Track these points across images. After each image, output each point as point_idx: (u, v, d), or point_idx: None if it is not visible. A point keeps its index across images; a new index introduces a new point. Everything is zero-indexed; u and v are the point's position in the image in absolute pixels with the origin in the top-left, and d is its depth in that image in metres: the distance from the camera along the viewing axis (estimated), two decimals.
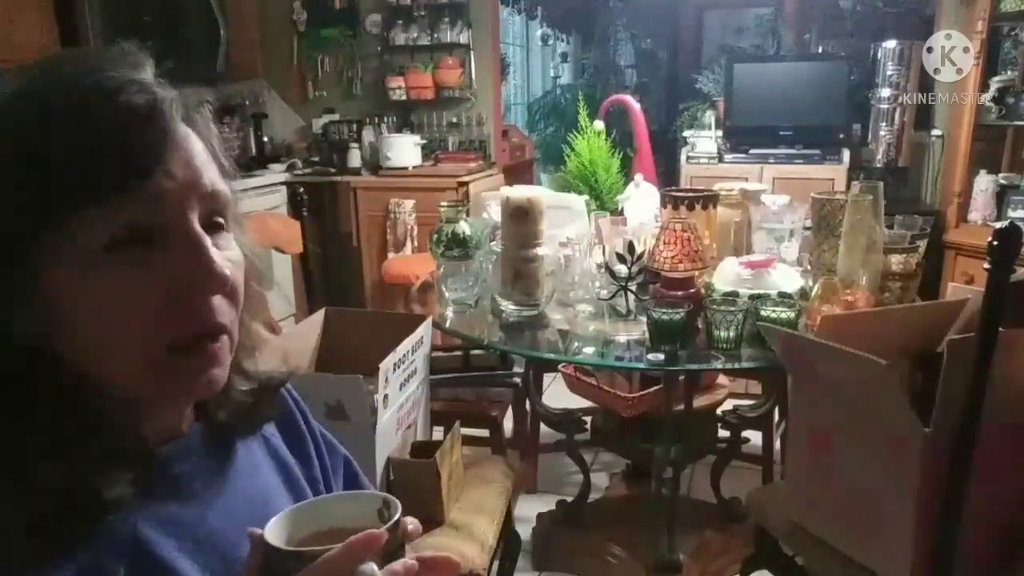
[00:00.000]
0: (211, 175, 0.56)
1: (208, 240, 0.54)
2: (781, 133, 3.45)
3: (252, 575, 0.53)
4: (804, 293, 1.71)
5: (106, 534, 0.52)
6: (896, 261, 1.72)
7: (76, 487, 0.51)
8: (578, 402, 2.24)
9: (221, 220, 0.57)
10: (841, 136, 3.42)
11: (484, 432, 2.15)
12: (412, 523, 0.57)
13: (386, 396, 1.44)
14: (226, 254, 0.56)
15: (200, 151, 0.56)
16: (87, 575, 0.50)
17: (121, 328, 0.52)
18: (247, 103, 4.11)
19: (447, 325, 1.85)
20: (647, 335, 1.63)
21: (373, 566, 0.51)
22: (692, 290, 1.70)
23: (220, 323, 0.55)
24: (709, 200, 1.91)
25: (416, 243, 3.73)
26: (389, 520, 0.54)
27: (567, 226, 1.98)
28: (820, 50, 3.92)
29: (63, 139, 0.50)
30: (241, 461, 0.66)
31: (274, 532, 0.54)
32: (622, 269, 1.75)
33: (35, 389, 0.52)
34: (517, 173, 4.51)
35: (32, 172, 0.50)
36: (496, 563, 1.73)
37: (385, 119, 4.12)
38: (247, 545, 0.55)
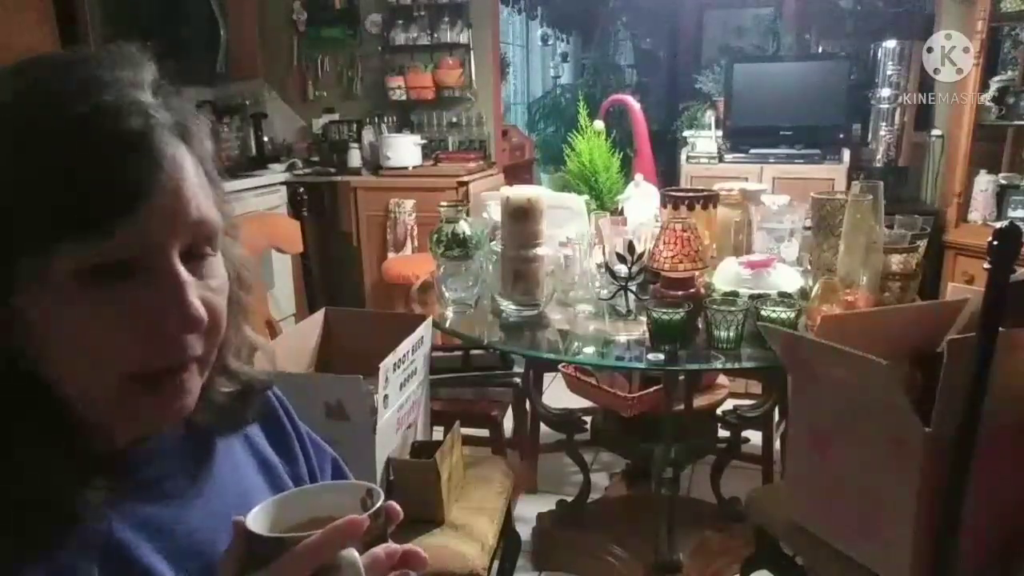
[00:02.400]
0: (199, 202, 0.54)
1: (187, 278, 0.53)
2: (781, 133, 3.45)
3: (231, 563, 0.53)
4: (804, 293, 1.71)
5: (80, 535, 0.52)
6: (896, 261, 1.72)
7: (46, 491, 0.51)
8: (578, 402, 2.24)
9: (207, 246, 0.56)
10: (841, 136, 3.42)
11: (484, 432, 2.15)
12: (393, 505, 0.57)
13: (386, 396, 1.44)
14: (208, 283, 0.55)
15: (191, 175, 0.54)
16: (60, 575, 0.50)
17: (90, 357, 0.52)
18: (247, 103, 4.11)
19: (447, 325, 1.85)
20: (647, 335, 1.63)
21: (354, 552, 0.51)
22: (692, 290, 1.70)
23: (190, 356, 0.54)
24: (709, 200, 1.91)
25: (416, 243, 3.73)
26: (372, 509, 0.55)
27: (567, 226, 1.98)
28: (820, 50, 3.92)
29: (44, 168, 0.48)
30: (221, 460, 0.65)
31: (257, 520, 0.54)
32: (622, 269, 1.75)
33: (6, 395, 0.52)
34: (517, 173, 4.52)
35: (11, 197, 0.48)
36: (496, 563, 1.73)
37: (385, 119, 4.12)
38: (227, 544, 0.55)
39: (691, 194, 1.93)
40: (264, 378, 0.69)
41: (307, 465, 0.75)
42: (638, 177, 2.31)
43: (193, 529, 0.59)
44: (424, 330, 1.65)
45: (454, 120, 4.12)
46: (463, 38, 3.98)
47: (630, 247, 1.74)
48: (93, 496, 0.52)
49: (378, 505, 0.55)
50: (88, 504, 0.52)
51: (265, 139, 4.09)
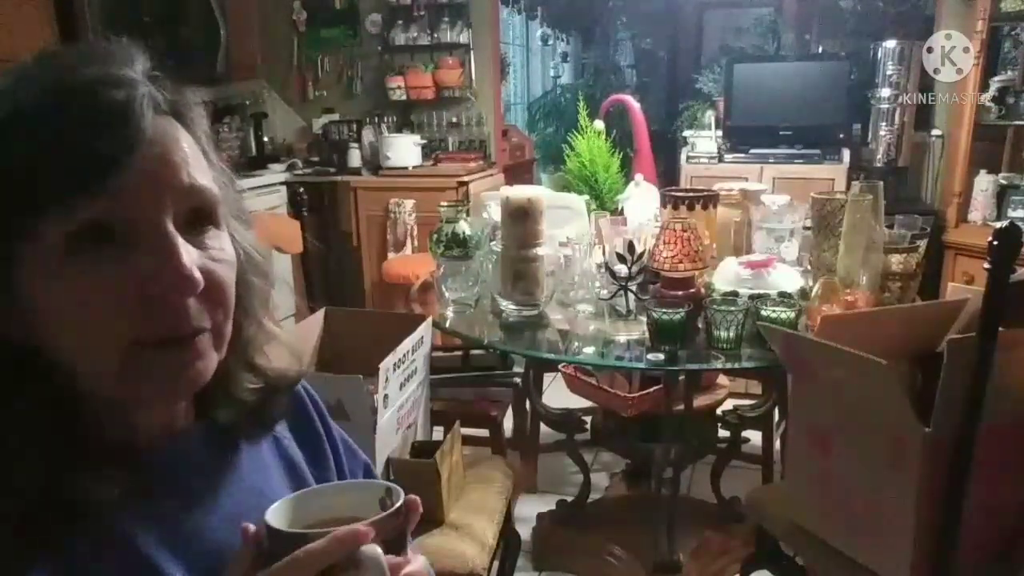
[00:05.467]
0: (192, 171, 0.54)
1: (179, 240, 0.52)
2: (781, 133, 3.44)
3: (237, 568, 0.53)
4: (804, 293, 1.71)
5: (92, 531, 0.52)
6: (896, 261, 1.72)
7: (55, 485, 0.50)
8: (578, 402, 2.24)
9: (207, 218, 0.55)
10: (841, 136, 3.42)
11: (484, 432, 2.15)
12: (415, 501, 0.57)
13: (386, 396, 1.44)
14: (211, 253, 0.55)
15: (183, 147, 0.54)
16: (72, 572, 0.50)
17: (88, 327, 0.51)
18: (247, 103, 4.11)
19: (447, 325, 1.85)
20: (647, 335, 1.63)
21: (377, 548, 0.51)
22: (692, 290, 1.70)
23: (195, 326, 0.53)
24: (709, 200, 1.92)
25: (416, 243, 3.73)
26: (391, 508, 0.55)
27: (567, 226, 1.98)
28: (820, 50, 3.92)
29: (30, 137, 0.49)
30: (246, 462, 0.64)
31: (276, 516, 0.54)
32: (622, 269, 1.75)
33: (15, 384, 0.52)
34: (517, 173, 4.51)
35: (4, 170, 0.50)
36: (496, 563, 1.72)
37: (385, 119, 4.12)
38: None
39: (691, 194, 1.93)
40: (293, 376, 0.68)
41: (337, 467, 0.73)
42: (638, 177, 2.31)
43: (212, 530, 0.58)
44: (424, 330, 1.65)
45: (454, 120, 4.12)
46: (463, 38, 3.98)
47: (630, 247, 1.74)
48: (103, 489, 0.52)
49: (397, 504, 0.55)
50: (99, 498, 0.52)
51: (265, 139, 4.09)
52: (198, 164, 0.55)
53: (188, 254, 0.52)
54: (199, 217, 0.55)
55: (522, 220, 1.75)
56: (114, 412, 0.55)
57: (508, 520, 1.76)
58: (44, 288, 0.51)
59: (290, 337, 0.69)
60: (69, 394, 0.53)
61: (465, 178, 3.70)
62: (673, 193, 1.96)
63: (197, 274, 0.52)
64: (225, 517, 0.59)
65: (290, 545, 0.52)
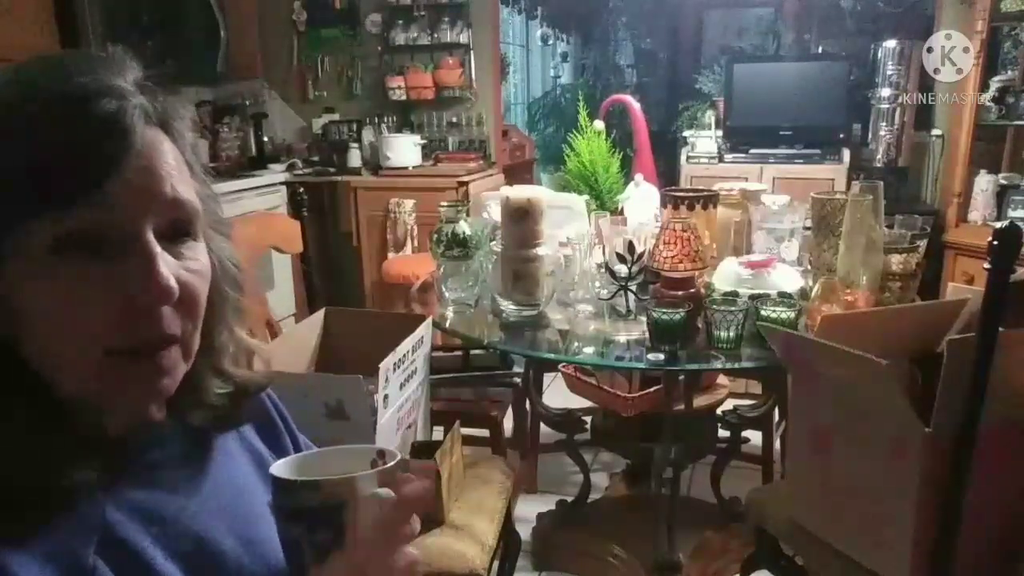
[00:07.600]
0: (176, 184, 0.55)
1: (158, 251, 0.54)
2: (781, 133, 3.45)
3: None
4: (804, 293, 1.71)
5: (75, 519, 0.53)
6: (896, 261, 1.72)
7: (36, 474, 0.52)
8: (578, 402, 2.24)
9: (186, 229, 0.57)
10: (841, 136, 3.42)
11: (484, 432, 2.15)
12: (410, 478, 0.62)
13: (386, 396, 1.44)
14: (187, 264, 0.56)
15: (168, 158, 0.55)
16: (55, 559, 0.51)
17: (66, 331, 0.53)
18: (247, 103, 4.11)
19: (447, 325, 1.85)
20: (647, 335, 1.63)
21: (391, 491, 0.58)
22: (692, 290, 1.70)
23: (169, 334, 0.55)
24: (709, 200, 1.91)
25: (416, 243, 3.73)
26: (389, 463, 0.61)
27: (567, 226, 1.98)
28: (820, 50, 3.92)
29: (21, 146, 0.50)
30: (217, 454, 0.67)
31: (282, 472, 0.61)
32: (622, 269, 1.75)
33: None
34: (517, 173, 4.51)
35: None
36: (496, 563, 1.72)
37: (385, 119, 4.12)
38: (221, 531, 0.59)
39: (691, 194, 1.93)
40: (260, 380, 0.70)
41: None
42: (638, 177, 2.31)
43: (188, 517, 0.60)
44: (424, 330, 1.65)
45: (454, 120, 4.12)
46: (463, 38, 3.98)
47: (630, 247, 1.74)
48: (83, 477, 0.53)
49: (399, 458, 0.62)
50: (80, 486, 0.53)
51: (265, 139, 4.09)
52: (182, 176, 0.56)
53: (166, 265, 0.54)
54: (178, 228, 0.56)
55: (522, 220, 1.75)
56: (87, 406, 0.57)
57: (508, 520, 1.76)
58: (27, 288, 0.52)
59: (256, 342, 0.72)
60: (48, 386, 0.54)
61: (465, 178, 3.70)
62: (673, 193, 1.96)
63: (174, 284, 0.54)
64: (202, 505, 0.62)
65: (302, 492, 0.57)
